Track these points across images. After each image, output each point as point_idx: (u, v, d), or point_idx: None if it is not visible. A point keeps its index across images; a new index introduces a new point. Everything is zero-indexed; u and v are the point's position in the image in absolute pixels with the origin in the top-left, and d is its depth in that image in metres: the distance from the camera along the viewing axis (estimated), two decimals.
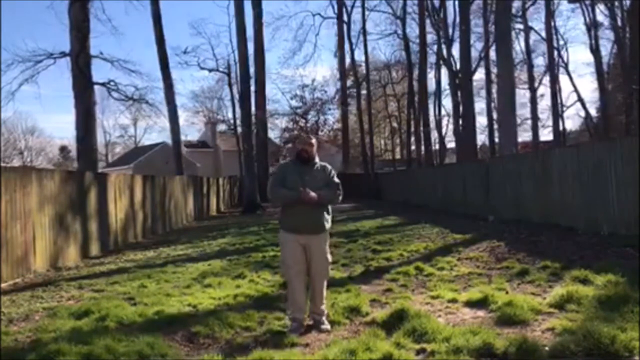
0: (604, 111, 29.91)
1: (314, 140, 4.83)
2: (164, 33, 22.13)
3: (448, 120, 40.45)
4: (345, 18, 37.58)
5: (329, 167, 4.92)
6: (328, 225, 4.79)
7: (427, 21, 31.09)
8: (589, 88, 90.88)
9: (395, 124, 49.55)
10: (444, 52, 29.80)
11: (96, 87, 14.84)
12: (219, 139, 48.71)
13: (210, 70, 30.77)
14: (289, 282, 4.79)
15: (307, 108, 39.35)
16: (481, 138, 45.27)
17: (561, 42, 34.37)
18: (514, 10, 24.33)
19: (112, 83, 15.53)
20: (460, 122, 26.04)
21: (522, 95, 39.83)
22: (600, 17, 32.40)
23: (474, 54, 29.95)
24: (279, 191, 4.71)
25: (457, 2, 27.34)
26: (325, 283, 4.84)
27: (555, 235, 9.82)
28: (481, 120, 46.46)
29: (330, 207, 4.86)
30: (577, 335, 3.77)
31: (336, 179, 4.83)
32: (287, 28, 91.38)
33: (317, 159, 4.85)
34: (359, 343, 3.89)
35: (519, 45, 37.34)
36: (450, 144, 41.13)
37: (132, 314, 5.23)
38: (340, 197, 4.84)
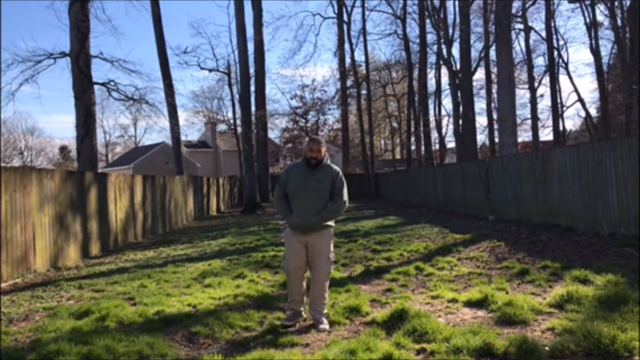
0: (604, 111, 29.89)
1: (322, 146, 4.77)
2: (164, 33, 22.18)
3: (448, 120, 40.50)
4: (345, 18, 37.63)
5: (335, 169, 4.83)
6: (329, 223, 4.80)
7: (427, 21, 31.11)
8: (589, 88, 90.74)
9: (395, 124, 49.62)
10: (444, 52, 29.78)
11: (96, 87, 14.78)
12: (219, 139, 48.75)
13: (210, 70, 30.70)
14: (288, 277, 4.90)
15: (307, 108, 39.34)
16: (481, 138, 45.41)
17: (561, 42, 34.51)
18: (514, 10, 24.29)
19: (112, 83, 15.45)
20: (460, 122, 26.03)
21: (522, 95, 39.96)
22: (600, 17, 32.46)
23: (474, 54, 30.00)
24: (278, 204, 4.90)
25: (457, 2, 27.36)
26: (326, 283, 4.82)
27: (555, 235, 9.83)
28: (481, 120, 46.60)
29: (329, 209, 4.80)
30: (577, 335, 3.77)
31: (342, 187, 4.78)
32: (287, 28, 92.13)
33: (327, 160, 4.84)
34: (359, 343, 3.89)
35: (519, 45, 37.46)
36: (450, 144, 41.18)
37: (132, 314, 5.24)
38: (345, 203, 4.82)
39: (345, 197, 4.81)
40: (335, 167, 4.87)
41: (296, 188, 4.72)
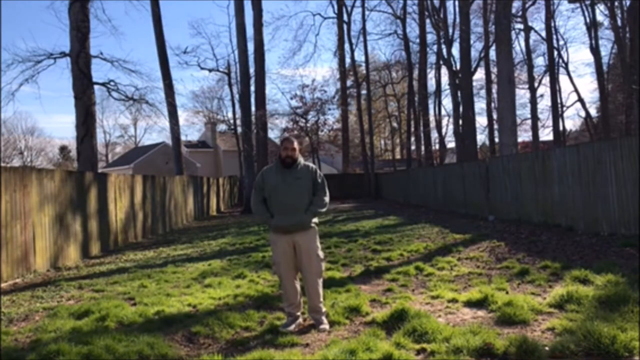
0: (604, 111, 29.88)
1: (295, 144, 4.82)
2: (164, 33, 22.20)
3: (448, 120, 40.49)
4: (345, 18, 37.61)
5: (313, 166, 4.90)
6: (313, 221, 4.81)
7: (427, 21, 31.10)
8: (589, 88, 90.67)
9: (395, 124, 49.59)
10: (444, 52, 29.77)
11: (96, 87, 14.79)
12: (219, 139, 48.74)
13: (210, 70, 30.81)
14: (281, 280, 4.91)
15: (307, 108, 39.31)
16: (481, 138, 45.39)
17: (561, 42, 34.46)
18: (514, 10, 24.29)
19: (112, 83, 15.45)
20: (460, 122, 26.02)
21: (522, 95, 39.95)
22: (600, 17, 32.45)
23: (474, 54, 30.00)
24: (258, 208, 4.88)
25: (457, 2, 27.37)
26: (319, 280, 4.81)
27: (555, 235, 9.83)
28: (481, 120, 46.62)
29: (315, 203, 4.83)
30: (577, 335, 3.77)
31: (324, 184, 4.87)
32: (287, 28, 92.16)
33: (300, 159, 4.86)
34: (359, 343, 3.89)
35: (519, 45, 37.44)
36: (450, 144, 41.17)
37: (132, 314, 5.24)
38: (327, 199, 4.88)
39: (327, 192, 4.89)
40: (311, 164, 4.92)
41: (276, 189, 4.71)
